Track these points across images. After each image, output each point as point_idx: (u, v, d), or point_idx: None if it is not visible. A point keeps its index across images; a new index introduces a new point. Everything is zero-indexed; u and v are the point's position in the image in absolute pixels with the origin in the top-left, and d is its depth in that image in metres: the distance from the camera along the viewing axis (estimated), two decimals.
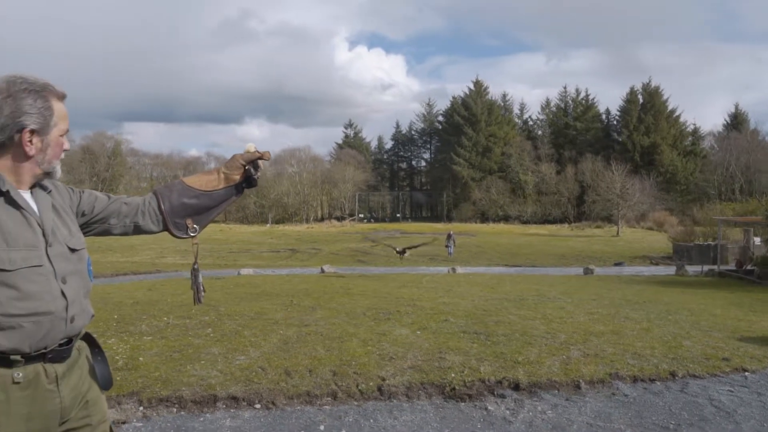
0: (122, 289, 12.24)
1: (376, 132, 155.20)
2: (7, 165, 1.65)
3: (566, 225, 65.43)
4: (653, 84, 76.07)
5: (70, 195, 1.88)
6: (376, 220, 76.92)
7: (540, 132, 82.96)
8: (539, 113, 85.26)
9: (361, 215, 78.48)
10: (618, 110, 79.57)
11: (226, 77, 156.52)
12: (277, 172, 74.26)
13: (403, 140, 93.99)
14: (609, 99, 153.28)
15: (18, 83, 1.64)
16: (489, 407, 4.46)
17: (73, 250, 1.75)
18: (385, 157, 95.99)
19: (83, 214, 1.90)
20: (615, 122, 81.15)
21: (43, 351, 1.63)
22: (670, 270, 22.39)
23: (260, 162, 2.11)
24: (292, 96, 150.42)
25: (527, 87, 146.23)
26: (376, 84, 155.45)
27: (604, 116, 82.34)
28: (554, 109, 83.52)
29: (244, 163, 2.08)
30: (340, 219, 74.19)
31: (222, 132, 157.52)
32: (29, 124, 1.64)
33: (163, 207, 2.01)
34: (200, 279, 2.25)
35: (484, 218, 71.72)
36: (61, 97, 1.73)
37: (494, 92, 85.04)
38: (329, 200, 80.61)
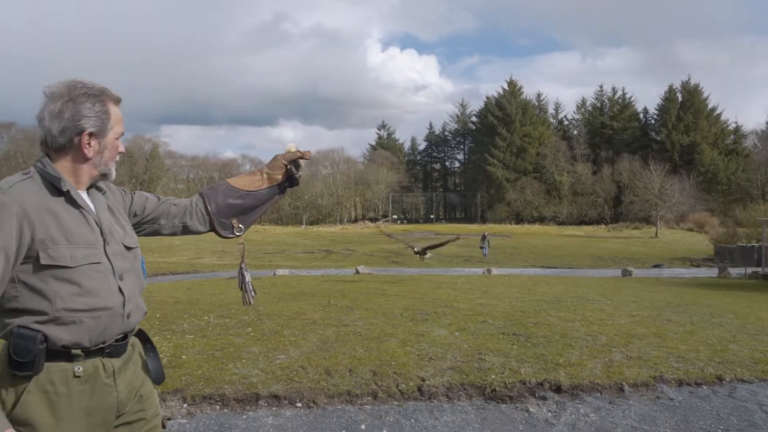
0: (162, 289, 12.48)
1: (410, 133, 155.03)
2: (66, 166, 1.71)
3: (603, 226, 64.44)
4: (692, 82, 74.58)
5: (123, 196, 1.94)
6: (410, 222, 76.88)
7: (575, 132, 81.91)
8: (574, 113, 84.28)
9: (395, 216, 78.52)
10: (656, 109, 78.26)
11: (261, 80, 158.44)
12: (311, 174, 74.78)
13: (437, 141, 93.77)
14: (646, 97, 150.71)
15: (78, 88, 1.70)
16: (530, 409, 4.42)
17: (128, 248, 1.80)
18: (418, 158, 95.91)
19: (135, 215, 1.96)
20: (653, 121, 79.70)
21: (102, 346, 1.68)
22: (712, 272, 21.87)
23: (301, 161, 2.15)
24: (326, 98, 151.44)
25: (562, 86, 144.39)
26: (409, 85, 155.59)
27: (641, 115, 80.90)
28: (590, 108, 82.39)
29: (285, 162, 2.13)
30: (373, 220, 74.34)
31: (256, 134, 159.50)
32: (88, 127, 1.69)
33: (209, 208, 2.06)
34: (248, 278, 2.28)
35: (518, 219, 71.08)
36: (117, 101, 1.78)
37: (528, 92, 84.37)
38: (363, 201, 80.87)
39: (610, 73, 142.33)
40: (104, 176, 1.79)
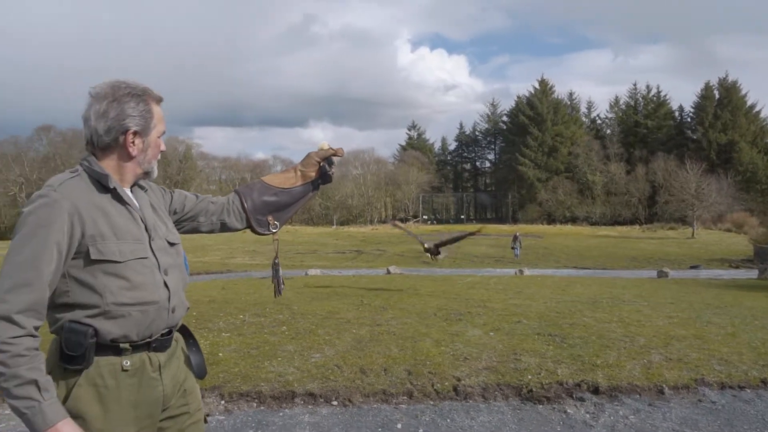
0: (197, 288, 12.65)
1: (440, 133, 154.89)
2: (111, 165, 1.75)
3: (637, 226, 63.32)
4: (730, 78, 72.67)
5: (163, 194, 1.98)
6: (440, 222, 76.61)
7: (608, 131, 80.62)
8: (607, 111, 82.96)
9: (425, 217, 78.35)
10: (692, 107, 76.40)
11: (291, 81, 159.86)
12: (342, 175, 75.07)
13: (467, 141, 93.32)
14: (682, 95, 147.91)
15: (122, 88, 1.73)
16: (568, 410, 4.37)
17: (171, 244, 1.84)
18: (448, 158, 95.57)
19: (174, 212, 2.00)
20: (689, 119, 77.94)
21: (148, 340, 1.71)
22: (752, 273, 21.31)
23: (334, 158, 2.19)
24: (356, 98, 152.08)
25: (594, 85, 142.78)
26: (439, 85, 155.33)
27: (676, 113, 79.23)
28: (623, 106, 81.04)
29: (318, 160, 2.17)
30: (404, 221, 74.28)
31: (287, 135, 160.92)
32: (132, 126, 1.72)
33: (246, 205, 2.10)
34: (281, 273, 2.34)
35: (550, 219, 70.28)
36: (159, 100, 1.82)
37: (560, 91, 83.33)
38: (393, 202, 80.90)
39: (644, 71, 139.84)
40: (147, 174, 1.83)
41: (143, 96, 1.76)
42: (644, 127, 76.63)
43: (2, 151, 67.41)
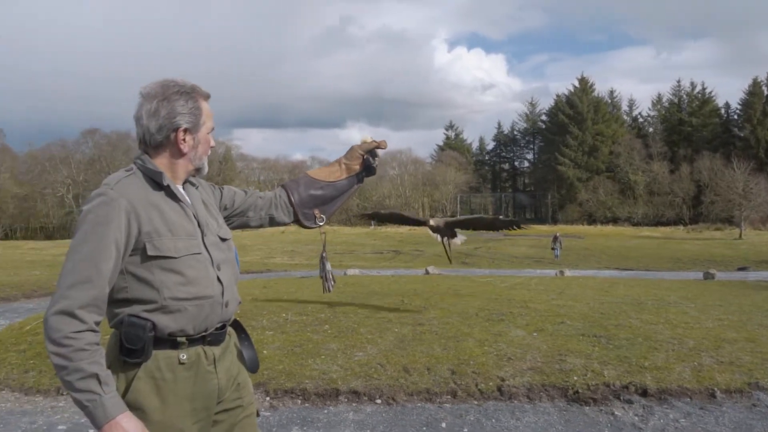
0: (239, 286, 12.79)
1: (477, 133, 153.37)
2: (164, 162, 1.80)
3: (681, 227, 61.75)
4: None
5: (213, 191, 2.02)
6: None
7: (651, 129, 78.84)
8: (650, 109, 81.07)
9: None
10: (739, 104, 74.15)
11: (329, 83, 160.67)
12: (379, 175, 74.82)
13: (505, 141, 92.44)
14: (728, 92, 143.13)
15: (171, 87, 1.78)
16: (616, 412, 4.30)
17: (222, 240, 1.88)
18: (486, 158, 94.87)
19: (225, 208, 2.04)
20: (735, 117, 75.67)
21: (204, 334, 1.75)
22: None
23: (377, 150, 2.21)
24: (393, 99, 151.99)
25: (635, 82, 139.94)
26: (477, 85, 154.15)
27: (722, 111, 77.01)
28: (667, 104, 79.16)
29: (362, 153, 2.20)
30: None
31: (325, 136, 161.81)
32: (183, 124, 1.77)
33: (293, 199, 2.13)
34: (329, 267, 2.36)
35: (591, 220, 69.05)
36: (207, 97, 1.86)
37: (600, 89, 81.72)
38: (430, 202, 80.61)
39: (687, 68, 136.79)
40: (199, 170, 1.87)
41: (192, 93, 1.80)
42: (689, 125, 74.69)
43: (51, 153, 69.50)
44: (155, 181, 1.75)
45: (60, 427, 4.39)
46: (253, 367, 1.97)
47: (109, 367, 1.65)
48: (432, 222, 7.72)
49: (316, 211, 2.17)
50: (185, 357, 1.70)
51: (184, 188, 1.86)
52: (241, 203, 2.08)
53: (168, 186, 1.75)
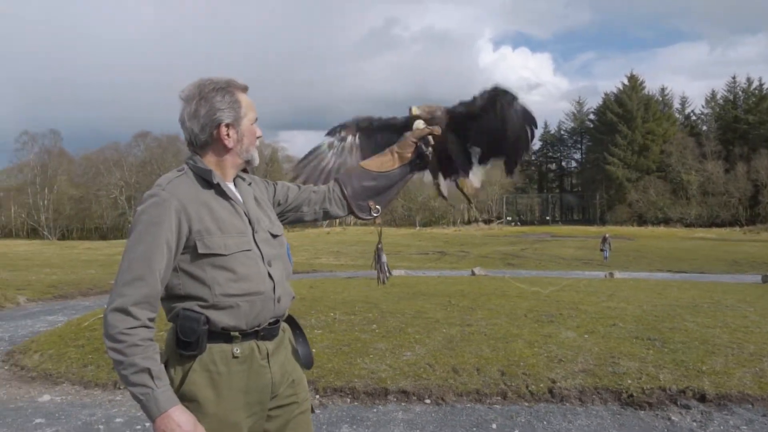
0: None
1: None
2: (212, 160, 1.83)
3: (737, 228, 59.69)
4: None
5: (266, 187, 2.04)
6: (524, 223, 75.20)
7: (704, 127, 76.52)
8: (703, 107, 78.78)
9: (509, 218, 77.10)
10: None
11: (373, 84, 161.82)
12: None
13: (552, 140, 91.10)
14: None
15: (206, 85, 1.81)
16: (672, 417, 4.19)
17: (274, 236, 1.89)
18: (533, 158, 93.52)
19: (279, 204, 2.05)
20: None
21: (257, 329, 1.78)
22: None
23: (430, 137, 2.18)
24: (437, 100, 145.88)
25: (688, 79, 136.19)
26: (522, 84, 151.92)
27: None
28: (721, 101, 76.69)
29: (415, 140, 2.17)
30: (487, 222, 73.41)
31: None
32: (224, 119, 1.79)
33: (346, 192, 2.12)
34: (384, 259, 2.33)
35: (641, 221, 67.44)
36: (244, 89, 1.87)
37: (651, 87, 79.84)
38: (476, 203, 79.97)
39: (743, 63, 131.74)
40: (248, 162, 1.89)
41: (228, 88, 1.82)
42: (745, 123, 72.08)
43: (104, 156, 71.82)
44: (205, 180, 1.79)
45: (117, 420, 4.52)
46: (308, 363, 1.98)
47: (167, 359, 1.72)
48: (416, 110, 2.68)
49: (371, 203, 2.16)
50: (239, 351, 1.74)
51: (235, 184, 1.89)
52: (295, 198, 2.09)
53: (218, 184, 1.78)
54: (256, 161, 1.90)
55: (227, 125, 1.80)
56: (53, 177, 70.73)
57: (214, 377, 1.71)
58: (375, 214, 2.17)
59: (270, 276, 1.80)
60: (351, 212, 2.15)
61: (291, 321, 2.00)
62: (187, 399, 1.68)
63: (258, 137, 1.90)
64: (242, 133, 1.83)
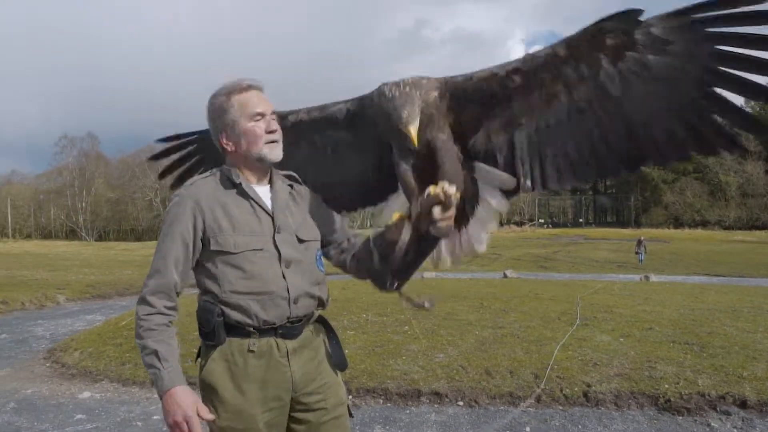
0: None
1: None
2: (232, 164, 1.91)
3: None
4: None
5: (313, 200, 2.02)
6: (556, 226, 74.31)
7: None
8: (743, 106, 76.50)
9: (541, 220, 76.29)
10: None
11: None
12: None
13: None
14: None
15: (212, 101, 1.91)
16: (712, 423, 4.10)
17: (301, 241, 1.91)
18: None
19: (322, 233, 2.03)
20: None
21: (273, 326, 1.82)
22: None
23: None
24: None
25: None
26: None
27: None
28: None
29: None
30: (519, 224, 72.78)
31: None
32: (219, 128, 1.88)
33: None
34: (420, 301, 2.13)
35: (677, 223, 66.03)
36: (246, 89, 1.88)
37: None
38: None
39: None
40: (260, 161, 1.89)
41: (222, 95, 1.88)
42: None
43: (140, 159, 73.12)
44: (230, 181, 1.87)
45: (155, 417, 4.61)
46: (340, 366, 2.00)
47: (199, 347, 1.87)
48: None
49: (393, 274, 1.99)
50: (255, 346, 1.80)
51: (272, 185, 1.93)
52: (330, 232, 2.05)
53: (240, 184, 1.86)
54: (269, 158, 1.88)
55: (223, 133, 1.88)
56: (91, 180, 72.35)
57: (232, 368, 1.80)
58: (393, 287, 2.01)
59: (284, 277, 1.83)
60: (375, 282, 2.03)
61: (324, 324, 2.01)
62: (206, 385, 1.81)
63: (273, 130, 1.88)
64: (238, 136, 1.87)
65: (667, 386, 4.59)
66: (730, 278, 22.60)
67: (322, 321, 2.01)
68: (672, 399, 4.41)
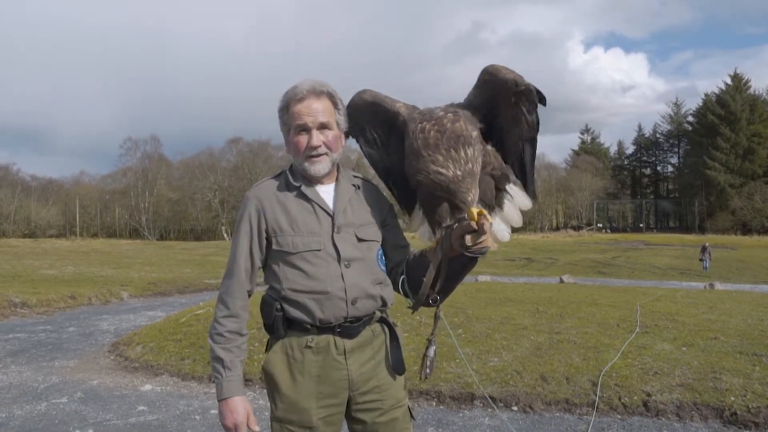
0: None
1: (615, 137, 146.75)
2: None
3: None
4: None
5: (382, 204, 2.03)
6: (615, 230, 72.37)
7: None
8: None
9: (600, 225, 74.45)
10: None
11: (460, 90, 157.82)
12: None
13: (647, 144, 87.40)
14: None
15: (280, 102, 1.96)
16: None
17: (360, 240, 1.91)
18: (625, 162, 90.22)
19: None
20: None
21: (330, 325, 1.84)
22: None
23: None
24: None
25: None
26: (615, 86, 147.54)
27: None
28: None
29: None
30: (577, 228, 71.26)
31: None
32: (282, 131, 1.96)
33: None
34: (431, 353, 2.08)
35: (745, 230, 63.37)
36: (298, 100, 1.88)
37: (757, 86, 75.34)
38: (565, 209, 77.94)
39: None
40: (303, 172, 1.91)
41: (283, 101, 1.93)
42: None
43: (200, 161, 75.13)
44: (293, 181, 1.92)
45: (212, 412, 4.72)
46: (398, 368, 1.97)
47: (268, 340, 1.93)
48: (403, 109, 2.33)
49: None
50: (313, 342, 1.84)
51: (337, 185, 1.94)
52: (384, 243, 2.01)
53: (299, 186, 1.90)
54: (310, 172, 1.88)
55: (284, 136, 1.97)
56: (153, 181, 74.76)
57: (290, 361, 1.85)
58: (433, 303, 2.02)
59: (342, 277, 1.84)
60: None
61: (388, 325, 2.00)
62: (267, 375, 1.88)
63: (313, 147, 1.86)
64: (288, 144, 1.95)
65: (733, 398, 4.41)
66: None
67: (386, 322, 1.99)
68: (738, 412, 4.22)
